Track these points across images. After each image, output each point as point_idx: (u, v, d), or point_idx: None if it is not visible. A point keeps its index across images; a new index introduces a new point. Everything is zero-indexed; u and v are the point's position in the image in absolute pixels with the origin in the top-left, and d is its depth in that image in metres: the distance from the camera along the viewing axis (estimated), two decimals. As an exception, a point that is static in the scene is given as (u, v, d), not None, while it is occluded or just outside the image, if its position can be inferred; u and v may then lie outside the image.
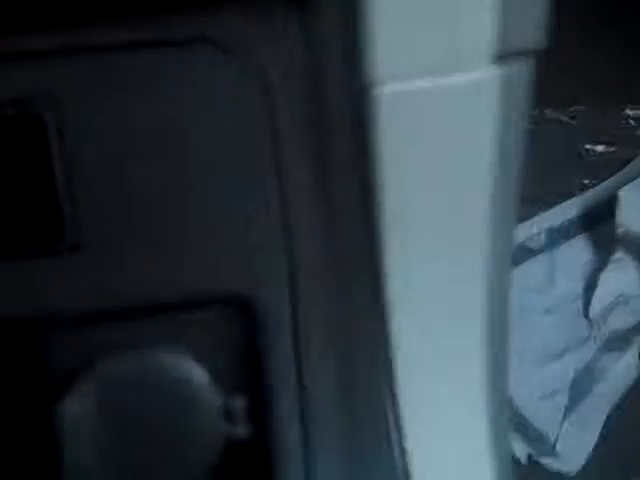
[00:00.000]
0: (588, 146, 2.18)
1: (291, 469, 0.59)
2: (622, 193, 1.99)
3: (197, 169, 0.54)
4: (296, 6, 0.51)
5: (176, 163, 0.53)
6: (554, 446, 1.74)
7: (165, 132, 0.52)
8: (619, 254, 1.93)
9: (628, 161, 2.11)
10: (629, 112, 2.23)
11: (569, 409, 1.79)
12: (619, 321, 1.88)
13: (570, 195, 2.09)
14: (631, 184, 2.02)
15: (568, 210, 2.06)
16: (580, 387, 1.82)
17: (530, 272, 1.94)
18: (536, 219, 2.02)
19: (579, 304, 1.93)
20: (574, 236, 2.03)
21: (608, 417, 1.78)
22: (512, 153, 0.59)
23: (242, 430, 0.59)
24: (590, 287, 1.93)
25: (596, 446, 1.75)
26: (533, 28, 0.57)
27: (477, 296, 0.60)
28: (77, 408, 0.55)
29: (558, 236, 2.02)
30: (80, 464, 0.56)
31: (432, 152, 0.56)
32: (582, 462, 1.73)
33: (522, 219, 1.93)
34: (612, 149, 2.18)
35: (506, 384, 0.67)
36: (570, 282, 1.97)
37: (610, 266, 1.93)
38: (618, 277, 1.92)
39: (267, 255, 0.56)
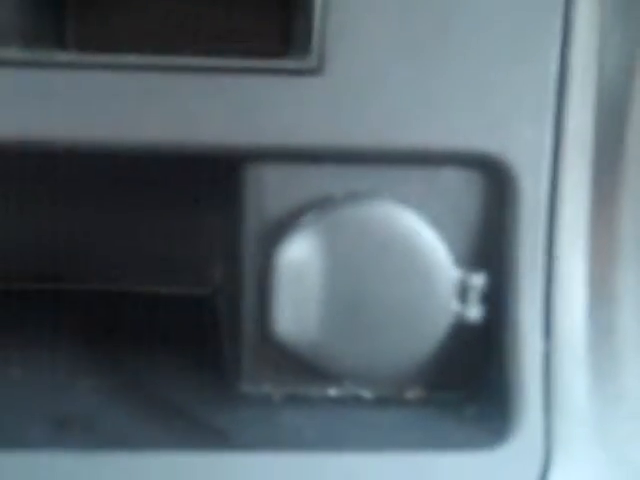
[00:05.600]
0: None
1: (527, 364, 0.52)
2: None
3: None
4: None
5: None
6: None
7: None
8: None
9: None
10: None
11: None
12: None
13: None
14: None
15: None
16: None
17: None
18: None
19: None
20: None
21: None
22: None
23: (475, 312, 0.53)
24: None
25: None
26: None
27: None
28: (297, 253, 0.51)
29: None
30: (292, 315, 0.52)
31: None
32: None
33: None
34: None
35: None
36: None
37: None
38: None
39: (529, 119, 0.50)
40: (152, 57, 0.48)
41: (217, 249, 0.64)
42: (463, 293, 0.52)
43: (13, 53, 0.48)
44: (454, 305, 0.52)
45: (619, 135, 0.50)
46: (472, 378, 0.55)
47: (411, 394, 0.55)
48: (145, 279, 0.67)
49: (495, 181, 0.51)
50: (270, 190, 0.52)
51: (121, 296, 0.66)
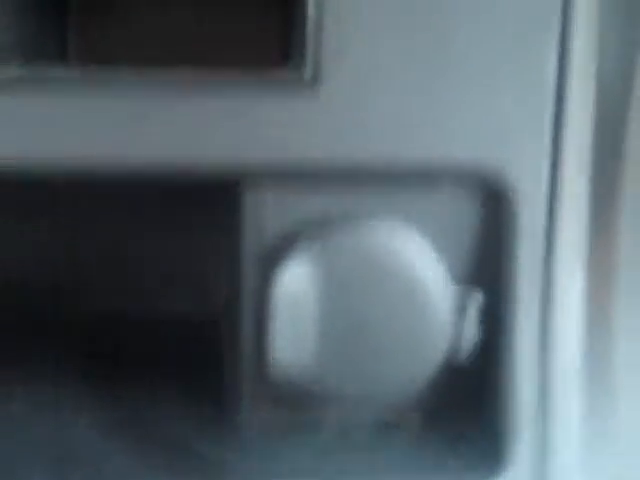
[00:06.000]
0: None
1: (524, 387, 0.51)
2: None
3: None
4: None
5: None
6: None
7: None
8: None
9: None
10: None
11: None
12: None
13: None
14: None
15: None
16: None
17: None
18: None
19: None
20: None
21: None
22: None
23: (472, 333, 0.52)
24: None
25: None
26: None
27: None
28: (294, 277, 0.51)
29: None
30: (291, 338, 0.51)
31: None
32: None
33: None
34: None
35: None
36: None
37: None
38: None
39: (527, 134, 0.50)
40: (140, 72, 0.47)
41: (222, 271, 0.64)
42: (460, 314, 0.52)
43: (12, 72, 0.47)
44: (452, 327, 0.52)
45: (617, 151, 0.50)
46: (470, 403, 0.54)
47: (409, 421, 0.55)
48: (148, 302, 0.67)
49: (493, 198, 0.51)
50: (266, 211, 0.51)
51: (122, 320, 0.66)
